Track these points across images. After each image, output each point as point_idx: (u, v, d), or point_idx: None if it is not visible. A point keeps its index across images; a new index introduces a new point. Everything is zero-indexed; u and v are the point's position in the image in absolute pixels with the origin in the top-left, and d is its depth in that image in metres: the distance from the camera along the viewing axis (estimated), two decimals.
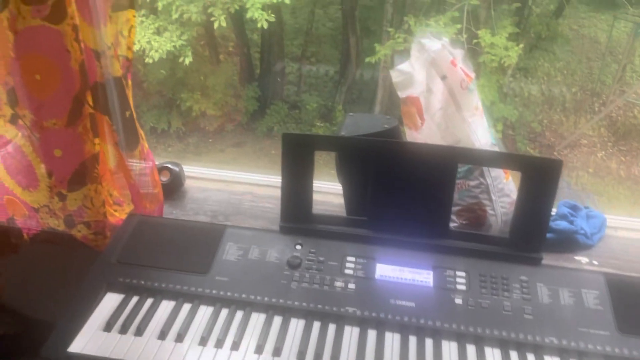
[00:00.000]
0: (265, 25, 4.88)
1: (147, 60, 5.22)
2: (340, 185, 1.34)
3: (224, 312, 1.04)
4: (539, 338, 0.98)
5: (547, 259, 1.14)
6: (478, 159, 1.16)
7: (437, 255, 1.13)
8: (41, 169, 1.28)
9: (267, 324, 1.02)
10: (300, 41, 6.64)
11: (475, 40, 4.84)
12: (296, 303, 1.04)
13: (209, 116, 5.89)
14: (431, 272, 1.10)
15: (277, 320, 1.03)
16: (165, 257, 1.13)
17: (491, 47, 4.74)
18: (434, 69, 1.22)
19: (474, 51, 4.79)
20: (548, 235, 1.19)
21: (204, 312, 1.05)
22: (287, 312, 1.04)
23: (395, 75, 1.27)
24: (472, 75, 1.24)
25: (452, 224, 1.23)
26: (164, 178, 1.47)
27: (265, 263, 1.12)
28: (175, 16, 5.13)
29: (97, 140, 1.24)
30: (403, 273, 1.10)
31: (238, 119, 6.01)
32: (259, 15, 4.82)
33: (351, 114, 1.34)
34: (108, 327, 1.00)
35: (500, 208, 1.28)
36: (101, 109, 1.23)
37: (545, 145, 5.65)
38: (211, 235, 1.18)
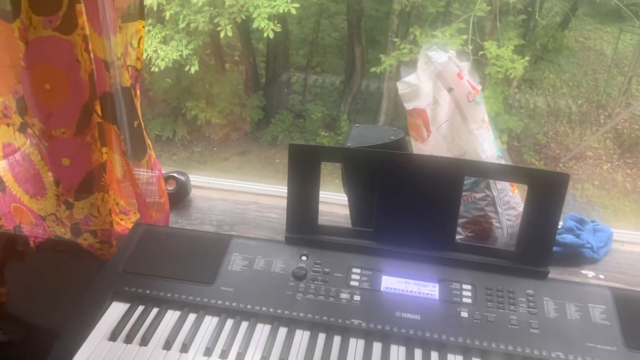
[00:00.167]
0: (271, 35, 4.90)
1: (153, 68, 5.26)
2: (345, 196, 1.34)
3: (229, 323, 1.04)
4: (545, 353, 0.98)
5: (553, 273, 1.13)
6: (484, 172, 1.16)
7: (443, 268, 1.13)
8: (49, 177, 1.28)
9: (272, 335, 1.02)
10: (306, 51, 6.67)
11: (481, 52, 4.86)
12: (301, 314, 1.04)
13: (214, 125, 5.91)
14: (437, 285, 1.10)
15: (282, 331, 1.03)
16: (171, 267, 1.13)
17: (497, 59, 4.76)
18: (441, 81, 1.23)
19: (479, 62, 4.81)
20: (554, 248, 1.19)
21: (209, 322, 1.04)
22: (292, 324, 1.04)
23: (401, 87, 1.27)
24: (479, 87, 1.24)
25: (457, 237, 1.22)
26: (170, 187, 1.48)
27: (270, 274, 1.12)
28: (182, 25, 5.16)
29: (104, 150, 1.25)
30: (409, 285, 1.10)
31: (243, 128, 6.02)
32: (265, 25, 4.85)
33: (357, 125, 1.35)
34: (113, 336, 1.00)
35: (507, 221, 1.28)
36: (109, 118, 1.24)
37: (550, 157, 5.63)
38: (217, 245, 1.18)
